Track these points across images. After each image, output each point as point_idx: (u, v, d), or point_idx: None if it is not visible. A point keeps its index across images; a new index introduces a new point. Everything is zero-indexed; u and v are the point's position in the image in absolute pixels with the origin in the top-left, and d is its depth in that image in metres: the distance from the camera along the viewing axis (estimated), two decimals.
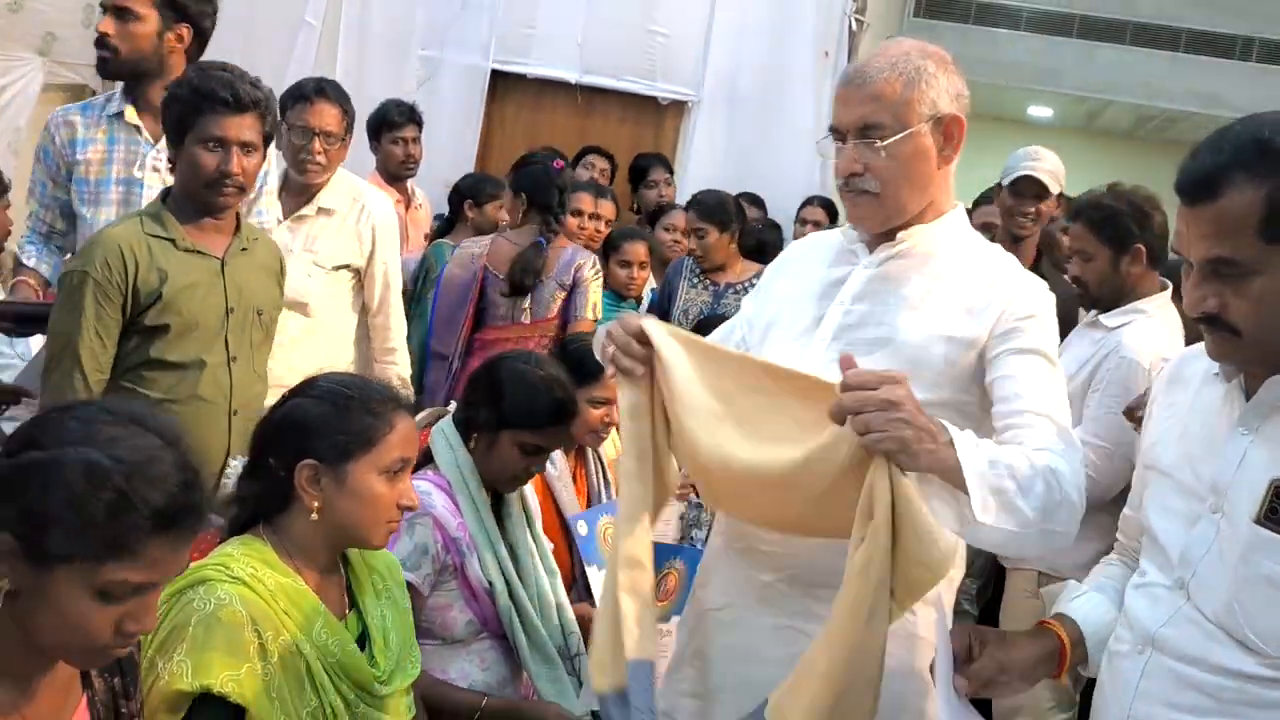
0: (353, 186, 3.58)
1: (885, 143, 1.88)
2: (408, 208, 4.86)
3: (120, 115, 3.05)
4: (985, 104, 10.41)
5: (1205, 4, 8.59)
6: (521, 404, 2.44)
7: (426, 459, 2.46)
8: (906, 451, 1.60)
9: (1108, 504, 3.12)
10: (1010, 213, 3.86)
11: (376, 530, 1.91)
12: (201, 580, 1.75)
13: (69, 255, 3.17)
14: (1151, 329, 3.11)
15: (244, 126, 2.65)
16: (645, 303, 4.74)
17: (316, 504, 1.84)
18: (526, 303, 3.98)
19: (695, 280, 4.58)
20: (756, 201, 5.52)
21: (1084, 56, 8.83)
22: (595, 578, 2.70)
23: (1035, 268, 3.83)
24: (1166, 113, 9.31)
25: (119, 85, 3.18)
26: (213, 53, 5.79)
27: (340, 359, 3.43)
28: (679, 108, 6.27)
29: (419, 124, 4.83)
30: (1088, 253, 3.25)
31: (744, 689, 1.93)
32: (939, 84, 1.91)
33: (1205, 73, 8.65)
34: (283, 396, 2.00)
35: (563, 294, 3.95)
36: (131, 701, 1.58)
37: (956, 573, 1.99)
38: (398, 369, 3.56)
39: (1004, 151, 11.14)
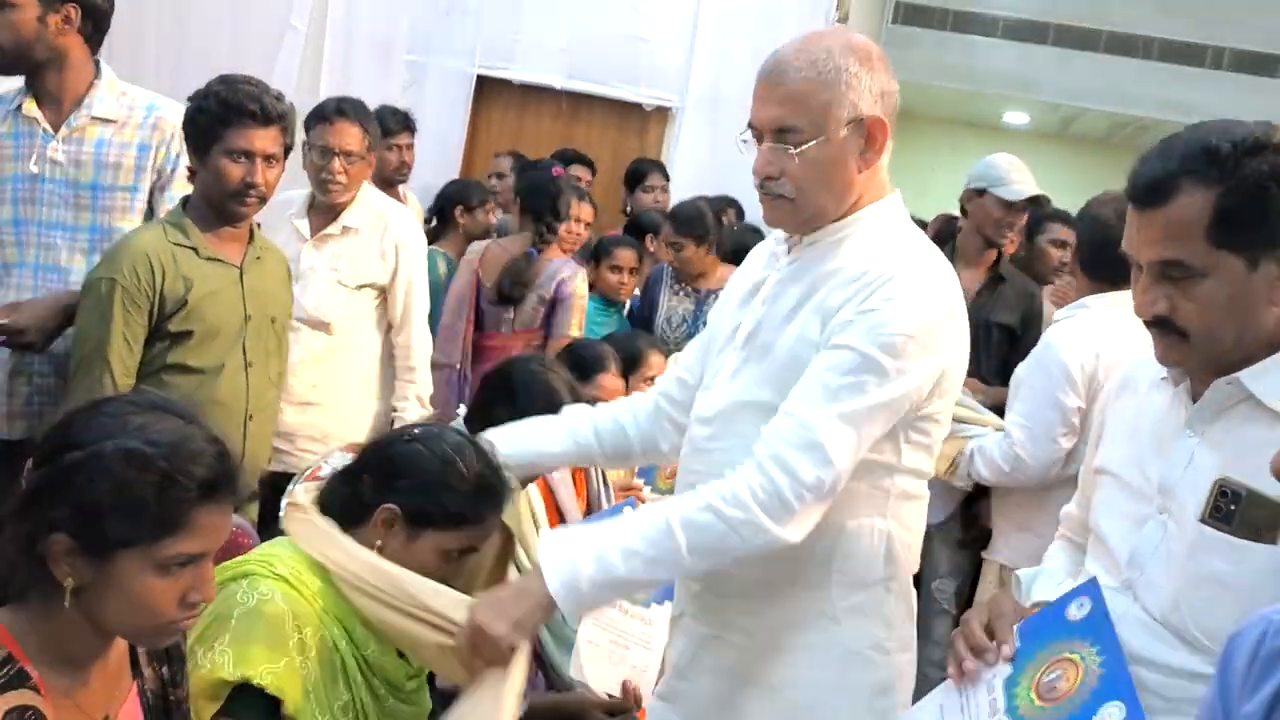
0: (377, 204, 3.57)
1: (800, 149, 1.79)
2: None
3: (19, 109, 2.90)
4: (962, 110, 10.60)
5: (1178, 14, 8.77)
6: (539, 406, 2.51)
7: None
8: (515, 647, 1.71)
9: (1051, 500, 3.27)
10: (999, 223, 3.92)
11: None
12: (245, 574, 1.79)
13: None
14: (1088, 326, 3.18)
15: (268, 139, 2.72)
16: (627, 310, 4.81)
17: (379, 544, 1.87)
18: (510, 313, 4.05)
19: (677, 288, 4.64)
20: (733, 204, 5.55)
21: (1059, 64, 9.01)
22: None
23: (995, 266, 3.97)
24: (1139, 120, 9.47)
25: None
26: (198, 57, 5.93)
27: (363, 377, 3.45)
28: (663, 114, 6.30)
29: (412, 130, 4.87)
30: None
31: (690, 697, 1.98)
32: (860, 84, 1.80)
33: (1177, 81, 8.84)
34: (392, 434, 2.06)
35: (543, 307, 3.99)
36: (179, 689, 1.63)
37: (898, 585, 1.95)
38: (417, 388, 3.52)
39: (980, 157, 11.30)
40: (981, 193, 3.89)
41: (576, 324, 3.98)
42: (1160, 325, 1.58)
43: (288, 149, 2.83)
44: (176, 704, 1.64)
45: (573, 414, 2.19)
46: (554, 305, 3.96)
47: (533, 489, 2.72)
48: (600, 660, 2.49)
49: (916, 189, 9.93)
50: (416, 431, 1.97)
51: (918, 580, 3.75)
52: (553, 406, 2.50)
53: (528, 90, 6.33)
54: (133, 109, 2.93)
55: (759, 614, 1.89)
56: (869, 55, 1.84)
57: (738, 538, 1.71)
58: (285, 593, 1.79)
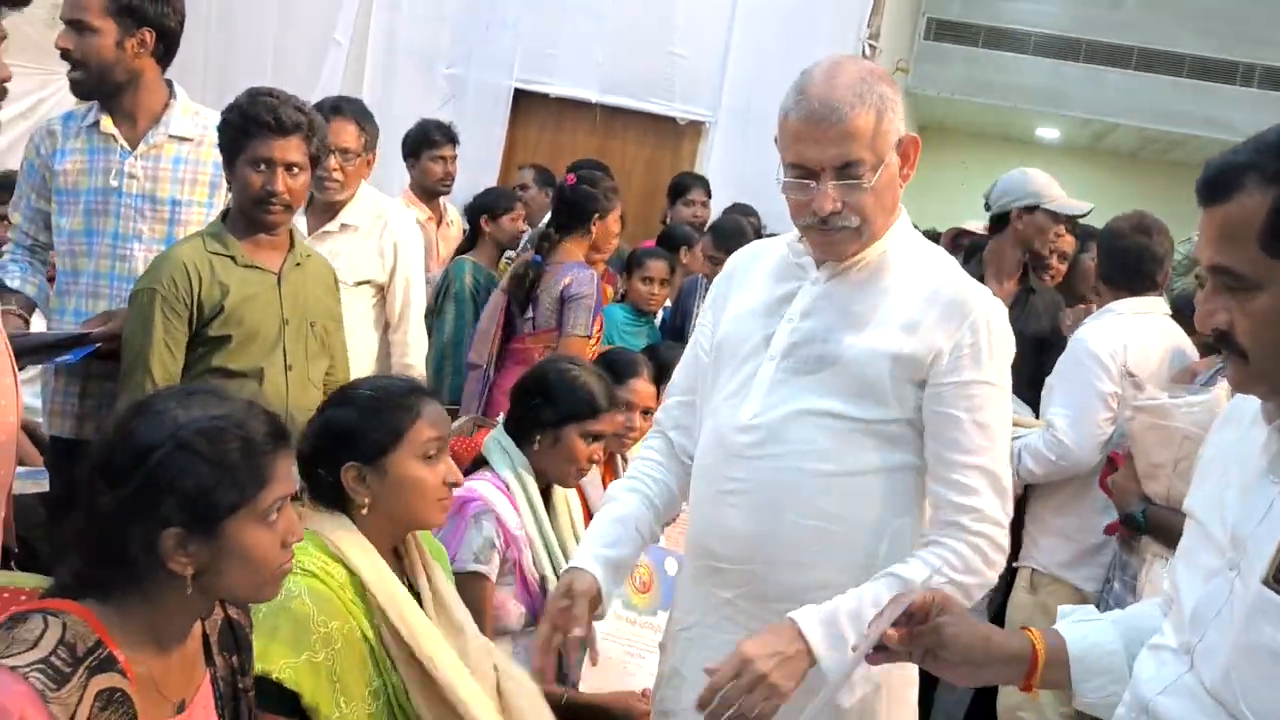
0: (376, 203, 3.63)
1: (869, 182, 1.85)
2: (439, 225, 5.02)
3: (96, 125, 3.04)
4: (994, 125, 10.65)
5: (1207, 31, 8.77)
6: (580, 398, 2.65)
7: (480, 464, 2.65)
8: (773, 695, 1.73)
9: (1084, 505, 3.37)
10: (1048, 236, 3.99)
11: (430, 510, 2.09)
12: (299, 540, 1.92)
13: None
14: (1114, 324, 3.36)
15: (289, 148, 2.79)
16: (660, 320, 4.91)
17: (366, 499, 2.03)
18: (530, 314, 4.13)
19: None
20: (750, 213, 5.55)
21: (1090, 80, 9.03)
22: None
23: (1024, 279, 4.05)
24: (1170, 135, 9.47)
25: None
26: (243, 72, 6.08)
27: (360, 374, 3.42)
28: (696, 128, 6.40)
29: (455, 142, 4.99)
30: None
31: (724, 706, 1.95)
32: (897, 107, 1.87)
33: (1207, 97, 8.85)
34: (317, 411, 2.19)
35: (555, 306, 4.05)
36: (246, 678, 1.75)
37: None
38: None
39: (1012, 171, 11.28)
40: (1033, 209, 3.93)
41: (584, 323, 4.01)
42: (1223, 341, 1.38)
43: (315, 157, 2.91)
44: (244, 691, 1.76)
45: (624, 500, 2.13)
46: (562, 305, 4.03)
47: (572, 495, 2.83)
48: (615, 673, 2.55)
49: (948, 202, 10.01)
50: None
51: None
52: (592, 406, 2.64)
53: (564, 104, 6.45)
54: (206, 128, 3.06)
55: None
56: (892, 79, 1.92)
57: (969, 599, 1.87)
58: (312, 588, 1.91)
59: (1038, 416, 3.50)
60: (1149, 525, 3.04)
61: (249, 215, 2.84)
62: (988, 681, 1.72)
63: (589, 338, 4.03)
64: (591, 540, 2.06)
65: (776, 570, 1.91)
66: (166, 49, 3.06)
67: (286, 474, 1.61)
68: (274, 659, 1.83)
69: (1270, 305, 1.31)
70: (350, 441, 2.05)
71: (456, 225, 5.17)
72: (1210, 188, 1.35)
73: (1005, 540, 1.90)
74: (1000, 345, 1.92)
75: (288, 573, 1.65)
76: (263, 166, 2.78)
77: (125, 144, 3.03)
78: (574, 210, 4.16)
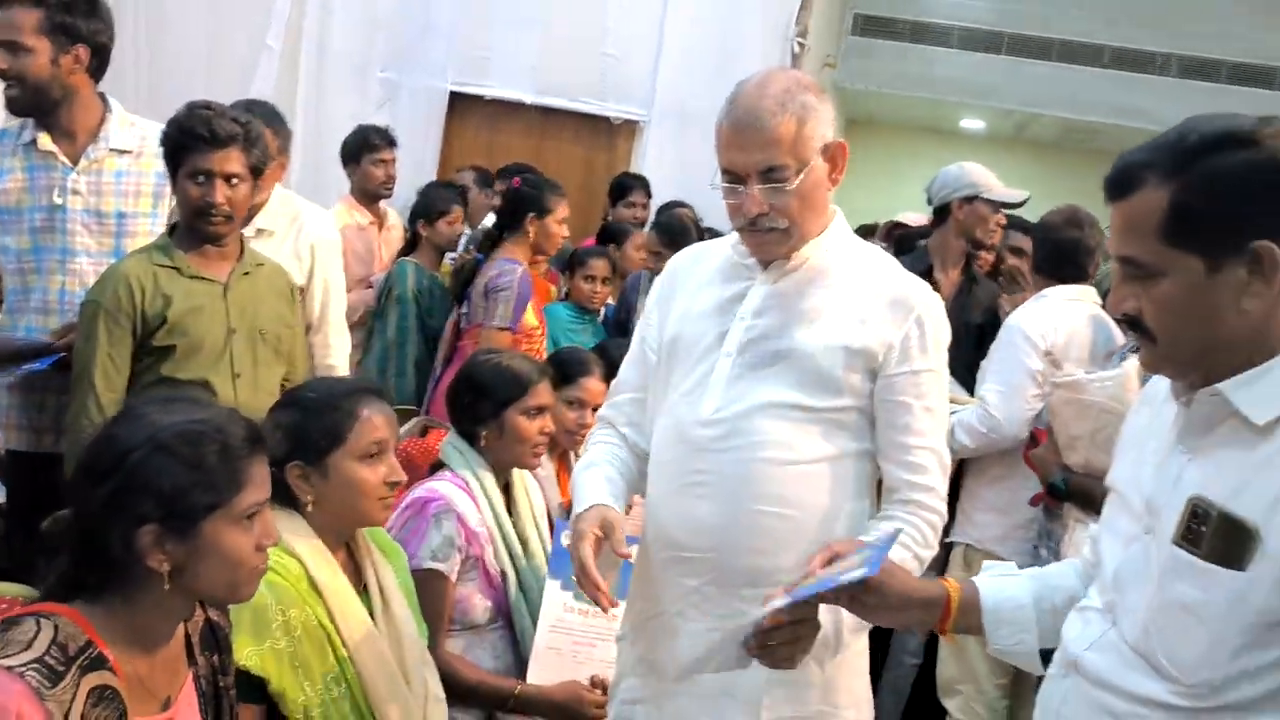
0: (290, 206, 3.61)
1: (792, 185, 1.96)
2: (380, 228, 5.05)
3: (34, 143, 3.05)
4: (920, 117, 10.84)
5: (1126, 22, 8.99)
6: (506, 380, 2.73)
7: (439, 466, 2.72)
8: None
9: (1016, 481, 3.51)
10: (989, 225, 4.09)
11: (372, 509, 2.15)
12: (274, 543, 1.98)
13: None
14: (1046, 308, 3.54)
15: (227, 160, 2.81)
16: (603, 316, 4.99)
17: (310, 498, 2.10)
18: (465, 310, 4.21)
19: None
20: (687, 207, 5.58)
21: (1013, 72, 9.21)
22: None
23: (968, 269, 4.18)
24: (1091, 125, 9.68)
25: None
26: (175, 78, 6.04)
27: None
28: (631, 127, 6.49)
29: (395, 146, 5.03)
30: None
31: (680, 692, 2.07)
32: (822, 115, 1.99)
33: (1127, 87, 9.06)
34: (268, 413, 2.23)
35: (483, 303, 4.09)
36: (227, 677, 1.81)
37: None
38: None
39: (938, 161, 11.50)
40: (971, 199, 4.05)
41: (502, 314, 4.05)
42: (1133, 325, 1.51)
43: (256, 169, 2.93)
44: (225, 690, 1.82)
45: (598, 460, 2.20)
46: (485, 298, 4.08)
47: (534, 486, 2.89)
48: (563, 665, 2.60)
49: (877, 192, 10.19)
50: None
51: None
52: (521, 384, 2.73)
53: (499, 106, 6.50)
54: (144, 139, 3.09)
55: (741, 616, 1.92)
56: (819, 88, 2.03)
57: (920, 570, 2.00)
58: (268, 580, 1.96)
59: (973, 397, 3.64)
60: (1070, 492, 3.22)
61: (192, 228, 2.87)
62: (904, 624, 1.84)
63: (508, 329, 4.07)
64: (597, 490, 2.11)
65: (741, 557, 2.01)
66: (99, 64, 3.09)
67: (263, 479, 1.68)
68: (240, 648, 1.90)
69: (1171, 291, 1.43)
70: (295, 441, 2.11)
71: (398, 229, 5.19)
72: (1115, 185, 1.47)
73: (941, 510, 2.07)
74: (940, 334, 2.07)
75: (263, 574, 1.71)
76: (201, 179, 2.82)
77: (66, 160, 3.05)
78: (515, 211, 4.23)
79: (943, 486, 2.07)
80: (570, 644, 2.65)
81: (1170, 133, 1.45)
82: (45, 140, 3.05)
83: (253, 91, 6.06)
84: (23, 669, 1.42)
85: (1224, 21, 8.84)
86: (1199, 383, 1.47)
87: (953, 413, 3.51)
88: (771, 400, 2.01)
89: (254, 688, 1.93)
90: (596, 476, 2.15)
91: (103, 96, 3.14)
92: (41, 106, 3.03)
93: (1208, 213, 1.39)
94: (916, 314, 2.03)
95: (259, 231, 3.50)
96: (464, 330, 4.22)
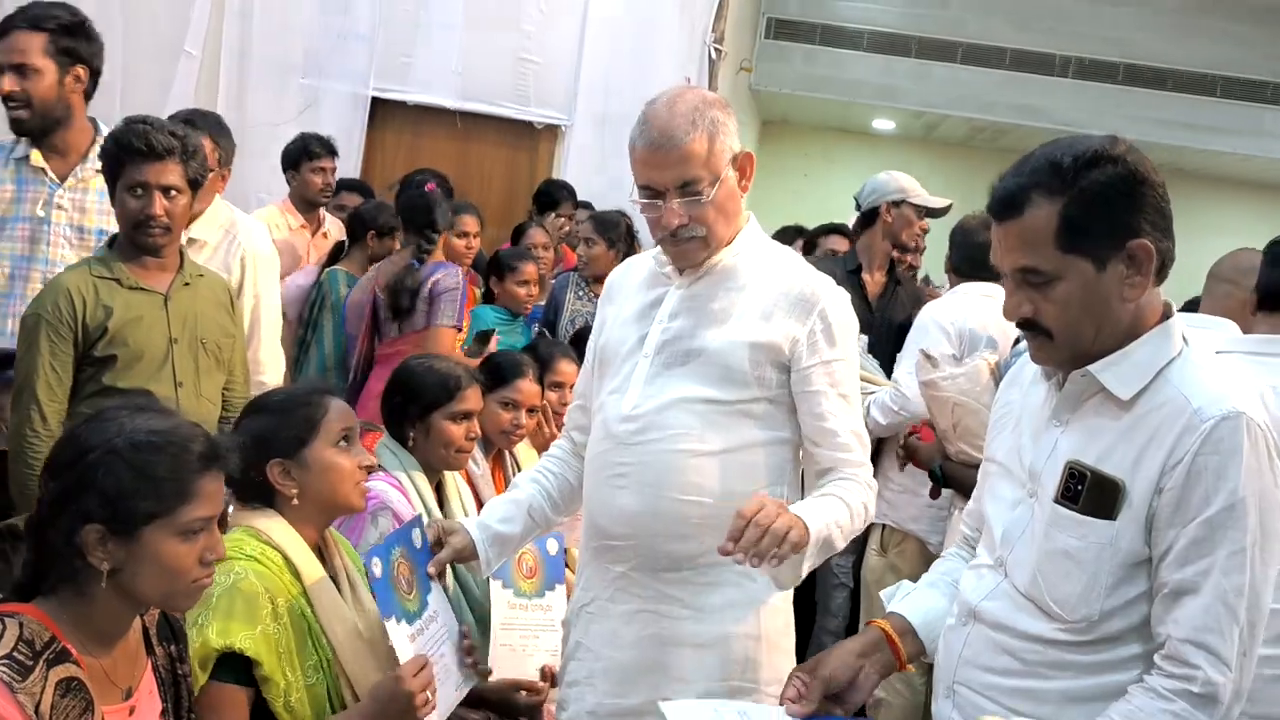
0: (225, 216, 3.59)
1: (708, 197, 2.10)
2: (314, 233, 5.08)
3: (26, 159, 3.15)
4: (833, 118, 11.08)
5: (1027, 26, 9.28)
6: (434, 384, 2.85)
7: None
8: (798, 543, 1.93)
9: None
10: (914, 229, 4.28)
11: (351, 493, 2.23)
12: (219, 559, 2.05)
13: None
14: (958, 301, 3.78)
15: (164, 172, 2.85)
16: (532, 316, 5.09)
17: (294, 490, 2.18)
18: (395, 320, 4.23)
19: (581, 293, 4.97)
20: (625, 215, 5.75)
21: (921, 74, 9.45)
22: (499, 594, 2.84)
23: (892, 271, 4.36)
24: (997, 125, 9.97)
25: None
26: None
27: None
28: (553, 131, 6.57)
29: (335, 155, 5.09)
30: None
31: (613, 672, 2.22)
32: (729, 128, 2.13)
33: (1029, 88, 9.36)
34: (234, 426, 2.33)
35: (425, 307, 4.18)
36: (184, 665, 1.89)
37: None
38: None
39: (851, 161, 11.83)
40: (899, 204, 4.22)
41: (451, 313, 4.15)
42: (1028, 327, 1.72)
43: (194, 181, 2.96)
44: (183, 677, 1.90)
45: (522, 487, 2.41)
46: (430, 302, 4.16)
47: (464, 484, 3.00)
48: (517, 659, 2.73)
49: (792, 191, 10.41)
50: None
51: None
52: (448, 388, 2.84)
53: (422, 111, 6.55)
54: None
55: (686, 583, 2.17)
56: (724, 103, 2.18)
57: (848, 538, 2.16)
58: (256, 570, 2.07)
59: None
60: (946, 478, 3.46)
61: (131, 240, 2.92)
62: (870, 678, 1.89)
63: (457, 328, 4.19)
64: (484, 514, 2.35)
65: (662, 543, 2.16)
66: (93, 84, 3.25)
67: (213, 495, 1.73)
68: (235, 633, 1.98)
69: (1069, 291, 1.66)
70: (271, 442, 2.19)
71: (336, 234, 5.21)
72: (1005, 207, 1.69)
73: (871, 483, 2.23)
74: (846, 325, 2.21)
75: (204, 588, 1.76)
76: (139, 191, 2.85)
77: (54, 177, 3.17)
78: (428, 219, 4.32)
79: (868, 462, 2.22)
80: (519, 638, 2.77)
81: (1037, 158, 1.68)
82: (37, 156, 3.17)
83: (171, 97, 6.05)
84: None
85: (1119, 27, 9.18)
86: (1071, 366, 1.71)
87: (869, 394, 3.72)
88: (683, 396, 2.15)
89: (243, 672, 2.00)
90: (497, 501, 2.40)
91: (93, 120, 3.28)
92: (47, 127, 3.18)
93: (1093, 221, 1.63)
94: (820, 308, 2.17)
95: (190, 241, 3.47)
96: (395, 338, 4.26)
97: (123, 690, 1.73)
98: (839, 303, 2.20)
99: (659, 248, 2.27)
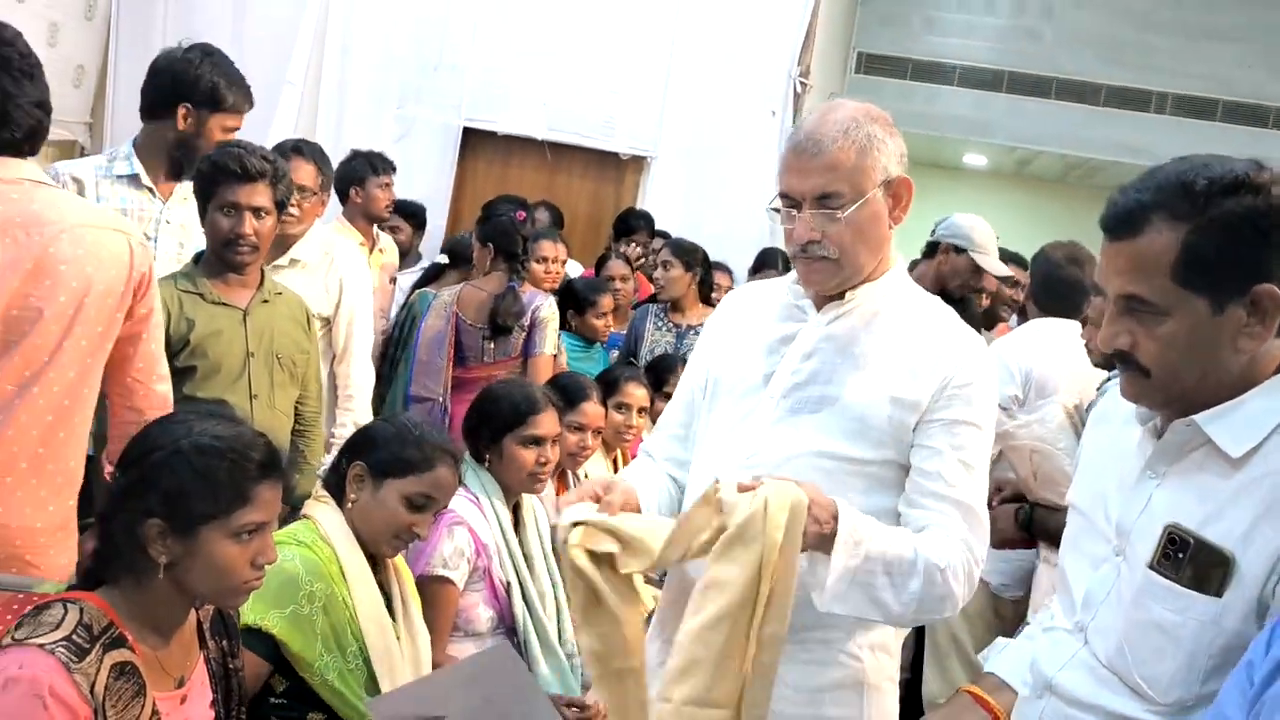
0: (324, 240, 3.81)
1: (845, 213, 1.88)
2: (371, 250, 5.21)
3: (135, 177, 3.26)
4: (924, 153, 11.03)
5: (1123, 62, 9.19)
6: (507, 408, 2.92)
7: None
8: (798, 518, 1.66)
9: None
10: (966, 284, 4.23)
11: (381, 541, 2.33)
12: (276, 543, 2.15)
13: None
14: (1026, 338, 3.67)
15: (255, 193, 3.02)
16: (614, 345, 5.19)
17: (353, 498, 2.33)
18: (492, 344, 4.37)
19: (660, 323, 5.05)
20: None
21: (1014, 110, 9.41)
22: None
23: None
24: (1090, 161, 9.89)
25: (121, 144, 3.36)
26: None
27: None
28: (638, 162, 6.67)
29: (395, 171, 5.23)
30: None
31: None
32: (888, 148, 1.91)
33: (1125, 124, 9.25)
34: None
35: (523, 334, 4.34)
36: (236, 659, 2.00)
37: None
38: (354, 415, 3.72)
39: (943, 198, 11.79)
40: (960, 251, 4.22)
41: (552, 343, 4.35)
42: (1123, 360, 1.53)
43: (281, 203, 3.14)
44: (234, 671, 2.01)
45: (635, 470, 2.20)
46: (530, 329, 4.33)
47: (537, 503, 3.06)
48: None
49: None
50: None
51: None
52: (519, 412, 2.91)
53: (512, 141, 6.70)
54: None
55: (790, 659, 1.85)
56: (888, 121, 1.96)
57: (947, 609, 1.85)
58: (303, 555, 2.20)
59: None
60: (1032, 522, 3.28)
61: (220, 256, 3.07)
62: None
63: (555, 356, 4.36)
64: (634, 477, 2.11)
65: None
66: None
67: (269, 502, 1.81)
68: (264, 611, 2.10)
69: (1176, 330, 1.46)
70: (373, 448, 2.36)
71: (392, 252, 5.34)
72: (1120, 224, 1.49)
73: (973, 573, 1.88)
74: (987, 390, 1.96)
75: (254, 588, 1.83)
76: (230, 211, 3.01)
77: (161, 196, 3.28)
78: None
79: (968, 538, 1.88)
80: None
81: (1166, 174, 1.48)
82: (146, 178, 3.26)
83: (274, 125, 6.28)
84: (53, 646, 1.62)
85: (1218, 62, 9.04)
86: (1173, 413, 1.52)
87: None
88: (812, 448, 1.92)
89: (271, 648, 2.13)
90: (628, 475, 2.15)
91: None
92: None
93: (1218, 256, 1.42)
94: (963, 364, 1.93)
95: (293, 262, 3.71)
96: (485, 363, 4.38)
97: (175, 679, 1.84)
98: (983, 363, 1.97)
99: (794, 275, 2.06)
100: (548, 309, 4.37)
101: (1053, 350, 3.62)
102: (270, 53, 6.60)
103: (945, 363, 1.92)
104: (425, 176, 6.48)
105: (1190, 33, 9.02)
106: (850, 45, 9.28)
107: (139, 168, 3.27)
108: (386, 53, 6.65)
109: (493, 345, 4.37)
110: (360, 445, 2.38)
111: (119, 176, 3.25)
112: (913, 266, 4.56)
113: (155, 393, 2.55)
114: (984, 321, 4.46)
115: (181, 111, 3.20)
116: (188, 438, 1.77)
